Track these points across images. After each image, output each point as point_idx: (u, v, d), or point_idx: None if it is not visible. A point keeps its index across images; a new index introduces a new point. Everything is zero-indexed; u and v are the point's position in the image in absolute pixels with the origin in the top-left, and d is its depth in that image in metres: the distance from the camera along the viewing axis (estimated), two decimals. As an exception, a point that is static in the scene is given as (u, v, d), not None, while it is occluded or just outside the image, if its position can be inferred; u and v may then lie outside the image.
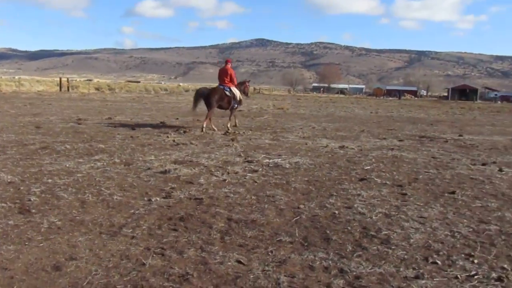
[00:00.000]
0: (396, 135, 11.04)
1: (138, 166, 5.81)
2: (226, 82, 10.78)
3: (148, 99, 28.31)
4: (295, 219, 3.83)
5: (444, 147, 8.93)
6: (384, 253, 3.12)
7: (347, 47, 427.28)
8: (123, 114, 14.80)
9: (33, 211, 3.77)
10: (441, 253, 3.15)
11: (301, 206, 4.22)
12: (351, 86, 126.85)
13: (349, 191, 4.87)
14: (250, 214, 3.90)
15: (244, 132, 10.28)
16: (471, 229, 3.70)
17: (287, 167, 6.14)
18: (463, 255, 3.12)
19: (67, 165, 5.67)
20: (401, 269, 2.86)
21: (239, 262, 2.89)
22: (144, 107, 19.53)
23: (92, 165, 5.76)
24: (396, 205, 4.34)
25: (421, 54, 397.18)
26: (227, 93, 10.66)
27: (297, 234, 3.45)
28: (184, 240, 3.25)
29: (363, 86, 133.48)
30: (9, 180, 4.76)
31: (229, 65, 11.01)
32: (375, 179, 5.52)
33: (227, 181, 5.15)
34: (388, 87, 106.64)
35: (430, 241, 3.37)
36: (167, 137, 8.93)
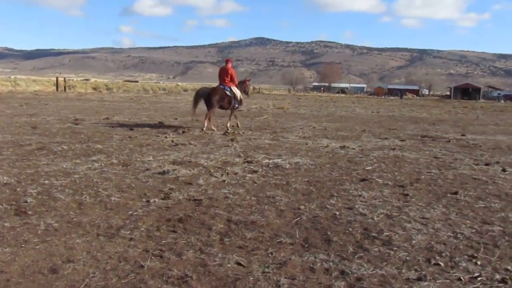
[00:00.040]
0: (397, 135, 11.00)
1: (136, 167, 5.77)
2: (227, 81, 10.75)
3: (146, 99, 28.34)
4: (295, 220, 3.79)
5: (446, 147, 8.89)
6: (386, 254, 3.09)
7: (348, 46, 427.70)
8: (121, 114, 14.78)
9: (30, 212, 3.73)
10: (443, 254, 3.11)
11: (302, 207, 4.18)
12: (352, 85, 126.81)
13: (350, 191, 4.84)
14: (250, 215, 3.87)
15: (243, 132, 10.25)
16: (474, 230, 3.66)
17: (287, 167, 6.10)
18: (466, 257, 3.08)
19: (64, 166, 5.63)
20: (403, 270, 2.82)
21: (239, 264, 2.85)
22: (142, 107, 19.52)
23: (90, 166, 5.72)
24: (398, 206, 4.30)
25: (423, 52, 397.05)
26: (228, 93, 10.62)
27: (297, 236, 3.41)
28: (183, 241, 3.22)
29: (364, 85, 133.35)
30: (5, 182, 4.72)
31: (229, 65, 10.98)
32: (377, 179, 5.48)
33: (226, 182, 5.11)
34: (390, 86, 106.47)
35: (432, 242, 3.34)
36: (166, 137, 8.89)
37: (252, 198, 4.44)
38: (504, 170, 6.36)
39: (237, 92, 10.88)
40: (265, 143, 8.52)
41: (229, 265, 2.83)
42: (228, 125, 10.71)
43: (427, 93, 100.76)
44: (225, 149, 7.61)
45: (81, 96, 28.78)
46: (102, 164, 5.85)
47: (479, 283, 2.68)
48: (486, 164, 6.83)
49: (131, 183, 4.89)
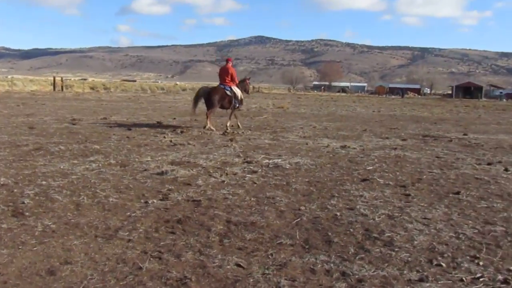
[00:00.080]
0: (399, 135, 10.97)
1: (134, 168, 5.74)
2: (227, 81, 10.73)
3: (145, 98, 28.32)
4: (295, 221, 3.76)
5: (448, 147, 8.86)
6: (387, 255, 3.06)
7: (348, 44, 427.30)
8: (119, 114, 14.75)
9: (27, 214, 3.70)
10: (445, 255, 3.08)
11: (302, 207, 4.15)
12: (352, 84, 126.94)
13: (351, 192, 4.81)
14: (250, 216, 3.83)
15: (243, 132, 10.21)
16: (476, 231, 3.63)
17: (287, 167, 6.07)
18: (468, 257, 3.06)
19: (62, 167, 5.59)
20: (405, 272, 2.80)
21: (239, 265, 2.83)
22: (140, 106, 19.50)
23: (87, 166, 5.69)
24: (399, 206, 4.27)
25: (424, 51, 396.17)
26: (228, 92, 10.60)
27: (297, 237, 3.38)
28: (182, 243, 3.19)
29: (365, 84, 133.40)
30: (2, 182, 4.68)
31: (230, 64, 10.97)
32: (378, 179, 5.45)
33: (225, 182, 5.08)
34: (391, 85, 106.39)
35: (434, 243, 3.31)
36: (164, 137, 8.85)
37: (252, 198, 4.41)
38: (506, 169, 6.33)
39: (238, 92, 10.86)
40: (265, 143, 8.49)
41: (228, 267, 2.80)
42: (228, 125, 10.68)
43: (428, 92, 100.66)
44: (224, 149, 7.58)
45: (79, 96, 28.74)
46: (100, 165, 5.81)
47: (481, 284, 2.66)
48: (489, 164, 6.80)
49: (129, 183, 4.86)
